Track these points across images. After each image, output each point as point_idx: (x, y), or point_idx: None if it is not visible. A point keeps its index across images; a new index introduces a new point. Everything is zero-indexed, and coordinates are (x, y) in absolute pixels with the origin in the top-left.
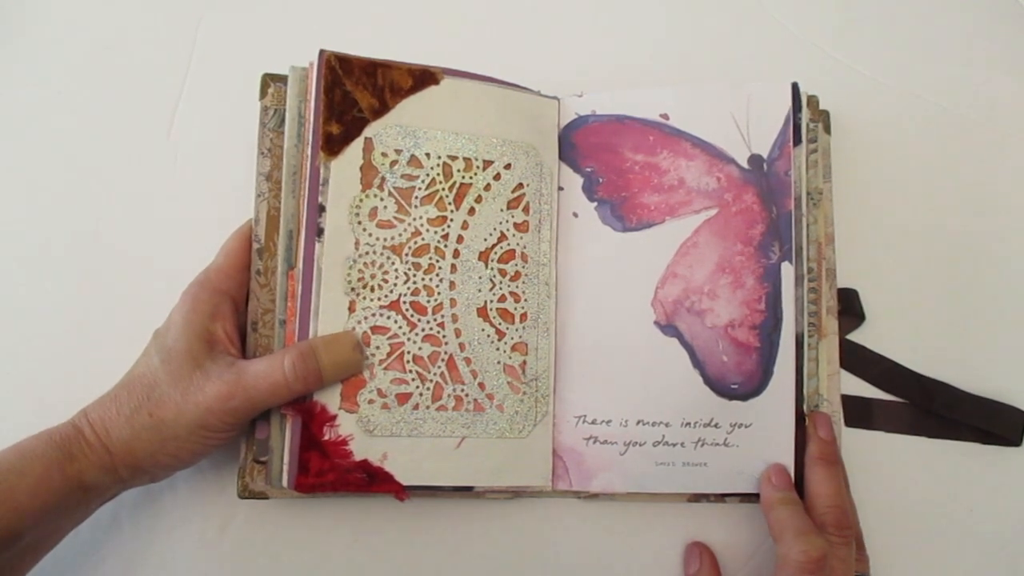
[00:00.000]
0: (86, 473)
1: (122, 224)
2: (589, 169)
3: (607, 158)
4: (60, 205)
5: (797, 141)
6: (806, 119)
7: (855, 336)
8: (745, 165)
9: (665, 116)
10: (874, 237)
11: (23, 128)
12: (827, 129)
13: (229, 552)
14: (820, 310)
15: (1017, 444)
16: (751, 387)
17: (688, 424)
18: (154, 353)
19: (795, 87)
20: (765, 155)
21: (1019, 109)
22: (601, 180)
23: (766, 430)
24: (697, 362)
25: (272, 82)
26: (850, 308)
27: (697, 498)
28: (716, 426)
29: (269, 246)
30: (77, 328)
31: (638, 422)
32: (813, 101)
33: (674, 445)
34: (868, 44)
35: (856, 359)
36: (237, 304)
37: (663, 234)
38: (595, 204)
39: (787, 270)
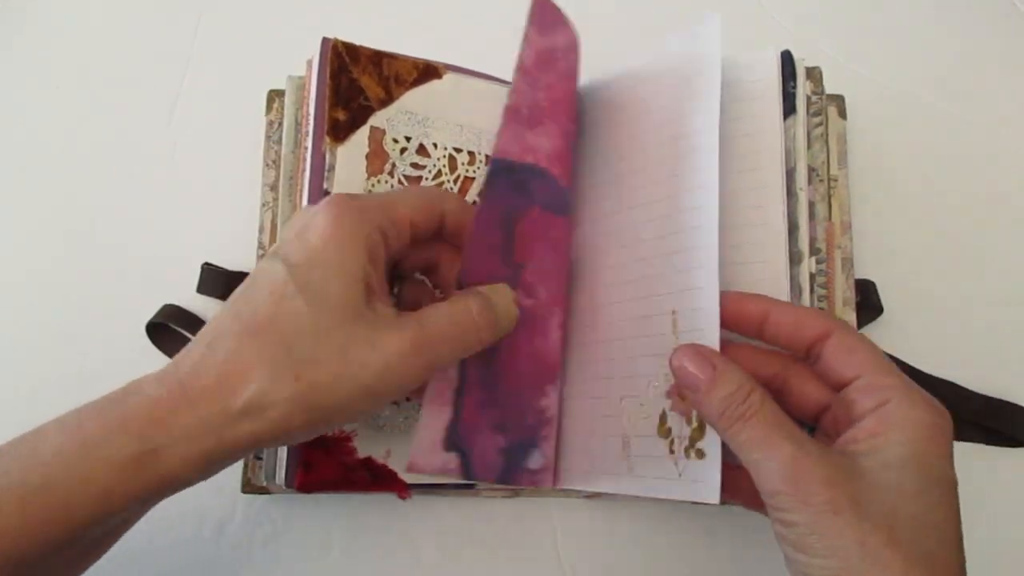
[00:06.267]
0: (176, 473)
1: (120, 223)
2: None
3: None
4: (57, 203)
5: (791, 111)
6: (806, 90)
7: (873, 328)
8: None
9: None
10: (877, 234)
11: (21, 125)
12: (842, 114)
13: (228, 549)
14: (832, 297)
15: None
16: None
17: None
18: (295, 292)
19: (786, 55)
20: None
21: (1019, 110)
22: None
23: None
24: None
25: (277, 97)
26: (867, 300)
27: None
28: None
29: None
30: (71, 325)
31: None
32: (815, 73)
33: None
34: (868, 44)
35: None
36: (391, 257)
37: None
38: None
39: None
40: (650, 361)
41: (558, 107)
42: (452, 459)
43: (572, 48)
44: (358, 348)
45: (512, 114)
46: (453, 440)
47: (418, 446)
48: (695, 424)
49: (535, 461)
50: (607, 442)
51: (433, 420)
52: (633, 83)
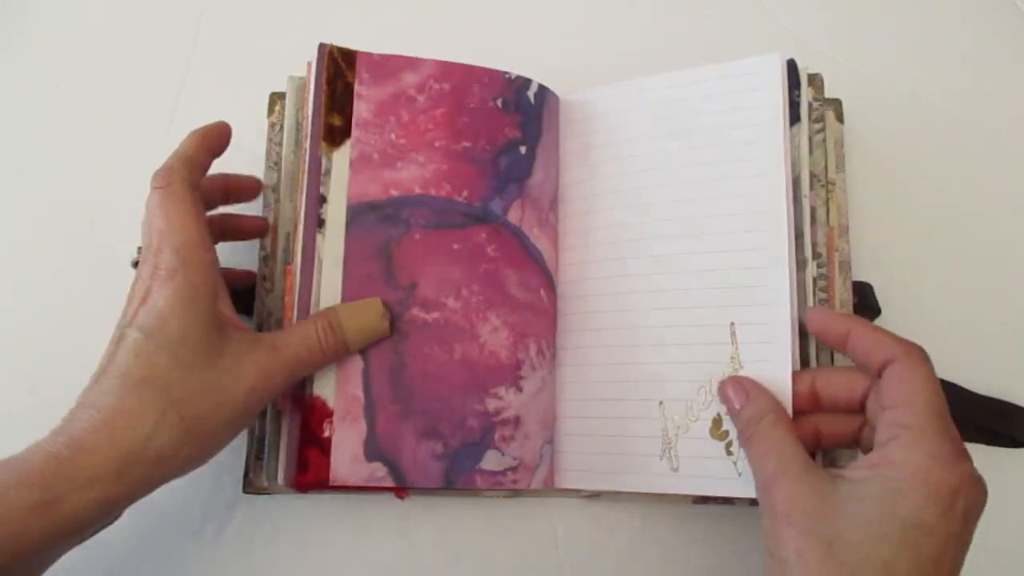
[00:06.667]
0: (77, 516)
1: (120, 223)
2: None
3: None
4: (57, 203)
5: (796, 119)
6: (807, 97)
7: None
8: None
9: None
10: (879, 234)
11: (21, 125)
12: (839, 118)
13: (229, 549)
14: (832, 300)
15: None
16: None
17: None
18: (157, 349)
19: (791, 63)
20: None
21: (1018, 110)
22: None
23: None
24: None
25: (279, 99)
26: (864, 302)
27: (703, 499)
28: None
29: (274, 251)
30: (71, 326)
31: None
32: (817, 80)
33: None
34: (868, 44)
35: None
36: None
37: None
38: None
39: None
40: (703, 368)
41: (428, 136)
42: (378, 468)
43: (436, 78)
44: (227, 380)
45: (360, 164)
46: (374, 452)
47: (338, 460)
48: None
49: (493, 463)
50: (640, 443)
51: (348, 436)
52: (685, 103)
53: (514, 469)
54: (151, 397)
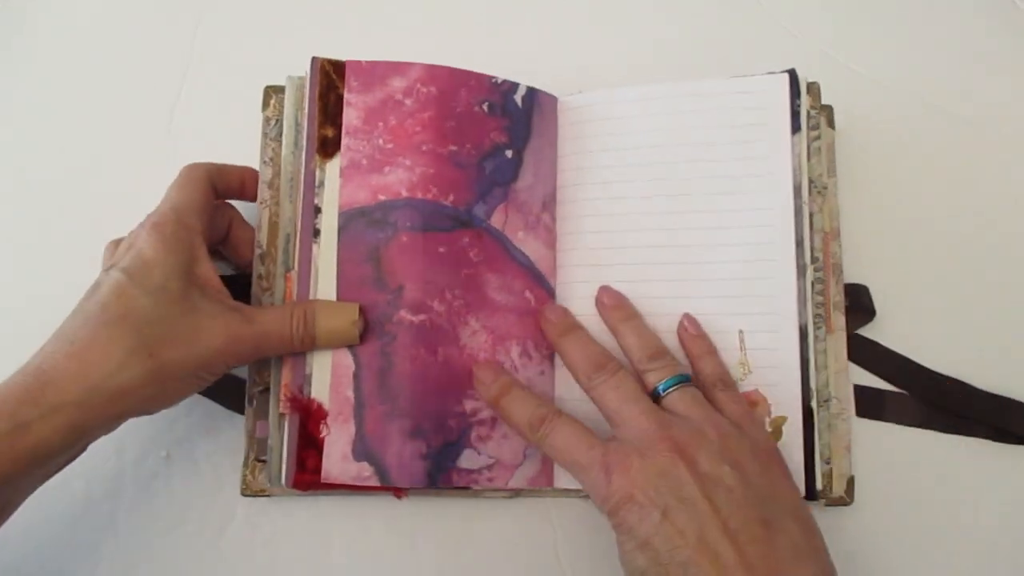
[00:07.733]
0: (47, 441)
1: (120, 224)
2: None
3: None
4: (57, 203)
5: (796, 128)
6: (806, 106)
7: (866, 332)
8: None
9: None
10: (878, 235)
11: (21, 125)
12: (831, 124)
13: (228, 551)
14: (828, 303)
15: None
16: None
17: None
18: (139, 293)
19: (792, 73)
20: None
21: (1018, 109)
22: None
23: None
24: None
25: (274, 94)
26: (859, 304)
27: None
28: None
29: (271, 251)
30: None
31: None
32: (814, 88)
33: None
34: (868, 44)
35: (868, 355)
36: (207, 247)
37: None
38: None
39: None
40: None
41: (415, 139)
42: (365, 468)
43: (424, 81)
44: (203, 330)
45: (349, 171)
46: (361, 451)
47: (329, 460)
48: (770, 429)
49: (470, 461)
50: None
51: (339, 436)
52: (692, 114)
53: (490, 467)
54: (125, 334)
